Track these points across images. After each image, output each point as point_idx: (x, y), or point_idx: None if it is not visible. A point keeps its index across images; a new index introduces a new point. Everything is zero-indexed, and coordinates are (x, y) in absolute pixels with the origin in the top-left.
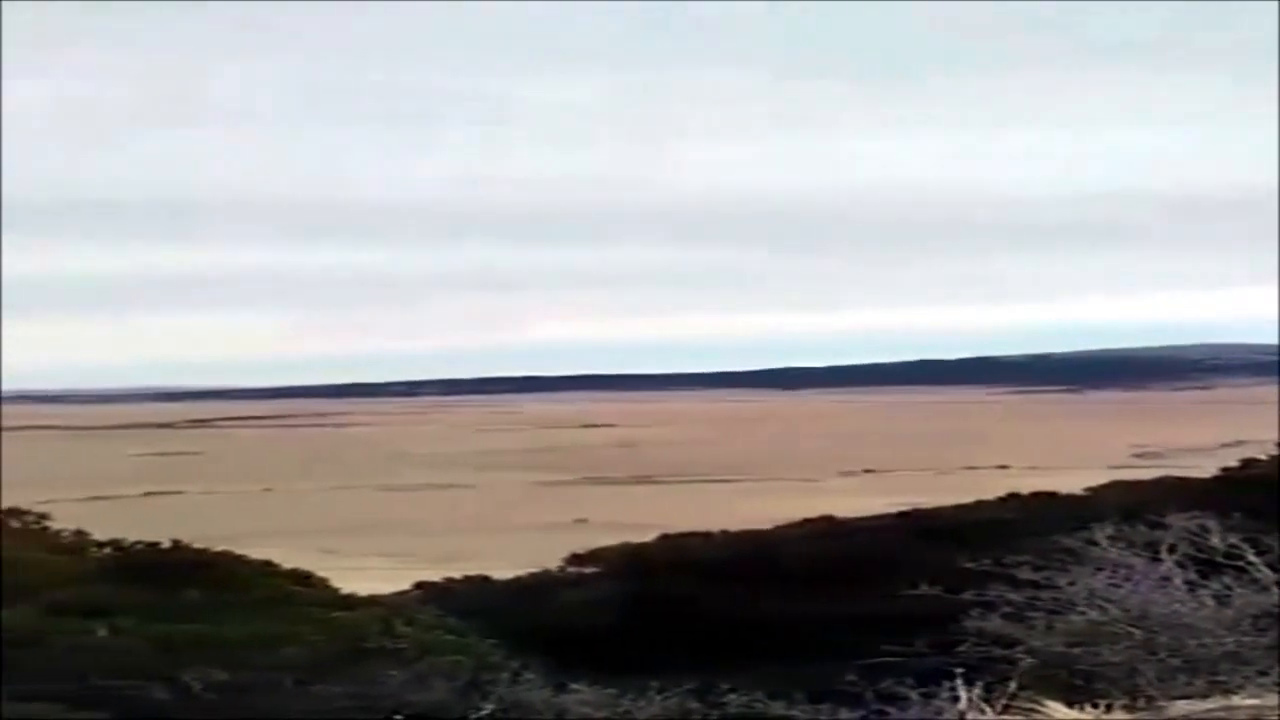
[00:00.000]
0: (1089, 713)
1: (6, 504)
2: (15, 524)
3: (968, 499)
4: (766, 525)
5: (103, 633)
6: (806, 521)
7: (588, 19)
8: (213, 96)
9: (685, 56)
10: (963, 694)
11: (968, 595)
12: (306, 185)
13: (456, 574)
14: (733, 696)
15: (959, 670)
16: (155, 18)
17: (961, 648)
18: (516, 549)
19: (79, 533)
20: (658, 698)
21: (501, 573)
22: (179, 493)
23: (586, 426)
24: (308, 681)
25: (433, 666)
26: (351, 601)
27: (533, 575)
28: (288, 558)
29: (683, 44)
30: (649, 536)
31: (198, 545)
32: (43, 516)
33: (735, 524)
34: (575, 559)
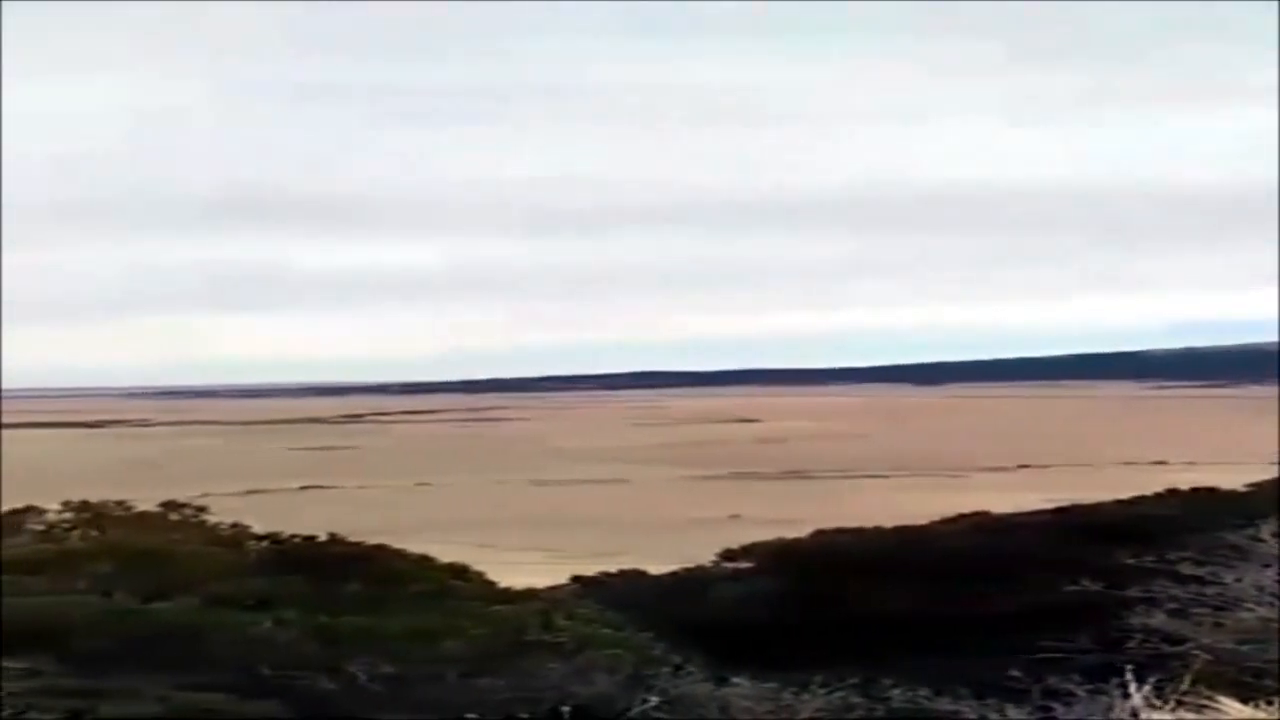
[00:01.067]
0: (1263, 710)
1: (165, 497)
2: (175, 517)
3: (1125, 495)
4: (921, 520)
5: (267, 624)
6: (963, 517)
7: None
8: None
9: (854, 43)
10: (1135, 691)
11: (1131, 592)
12: (466, 186)
13: (612, 568)
14: (895, 692)
15: (1128, 666)
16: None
17: (1129, 644)
18: (670, 544)
19: (238, 526)
20: (820, 692)
21: (657, 567)
22: (335, 487)
23: (737, 421)
24: (470, 674)
25: (593, 660)
26: (510, 595)
27: (688, 570)
28: (444, 552)
29: (861, 31)
30: (802, 532)
31: (354, 539)
32: (201, 510)
33: (888, 519)
34: (729, 554)
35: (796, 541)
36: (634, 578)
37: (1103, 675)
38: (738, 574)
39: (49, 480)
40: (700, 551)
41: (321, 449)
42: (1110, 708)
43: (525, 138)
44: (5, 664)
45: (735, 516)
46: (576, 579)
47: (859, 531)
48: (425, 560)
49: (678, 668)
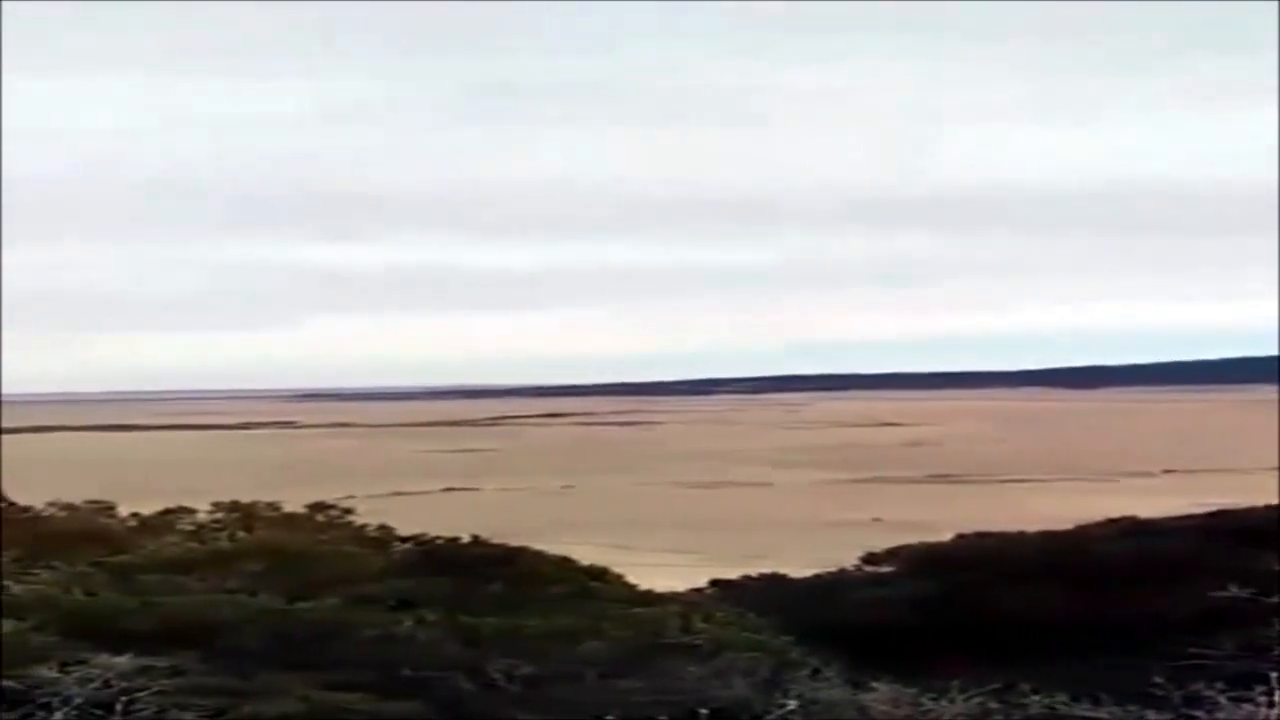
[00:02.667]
0: None
1: (313, 499)
2: (321, 518)
3: (1275, 501)
4: (1066, 525)
5: (409, 624)
6: (1109, 521)
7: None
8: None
9: (978, 43)
10: None
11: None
12: (609, 187)
13: (752, 571)
14: (1035, 698)
15: (1274, 674)
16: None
17: (1275, 651)
18: (811, 547)
19: (383, 527)
20: (960, 698)
21: (797, 571)
22: (477, 489)
23: (882, 425)
24: (608, 675)
25: (731, 663)
26: (649, 597)
27: (828, 574)
28: (584, 554)
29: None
30: (945, 536)
31: (496, 540)
32: (347, 511)
33: (1032, 523)
34: (871, 558)
35: (939, 545)
36: (774, 581)
37: (1246, 682)
38: (879, 578)
39: (200, 481)
40: (841, 555)
41: (464, 451)
42: (1254, 715)
43: (668, 138)
44: (150, 662)
45: (877, 520)
46: (715, 582)
47: (1003, 536)
48: (566, 562)
49: (816, 671)
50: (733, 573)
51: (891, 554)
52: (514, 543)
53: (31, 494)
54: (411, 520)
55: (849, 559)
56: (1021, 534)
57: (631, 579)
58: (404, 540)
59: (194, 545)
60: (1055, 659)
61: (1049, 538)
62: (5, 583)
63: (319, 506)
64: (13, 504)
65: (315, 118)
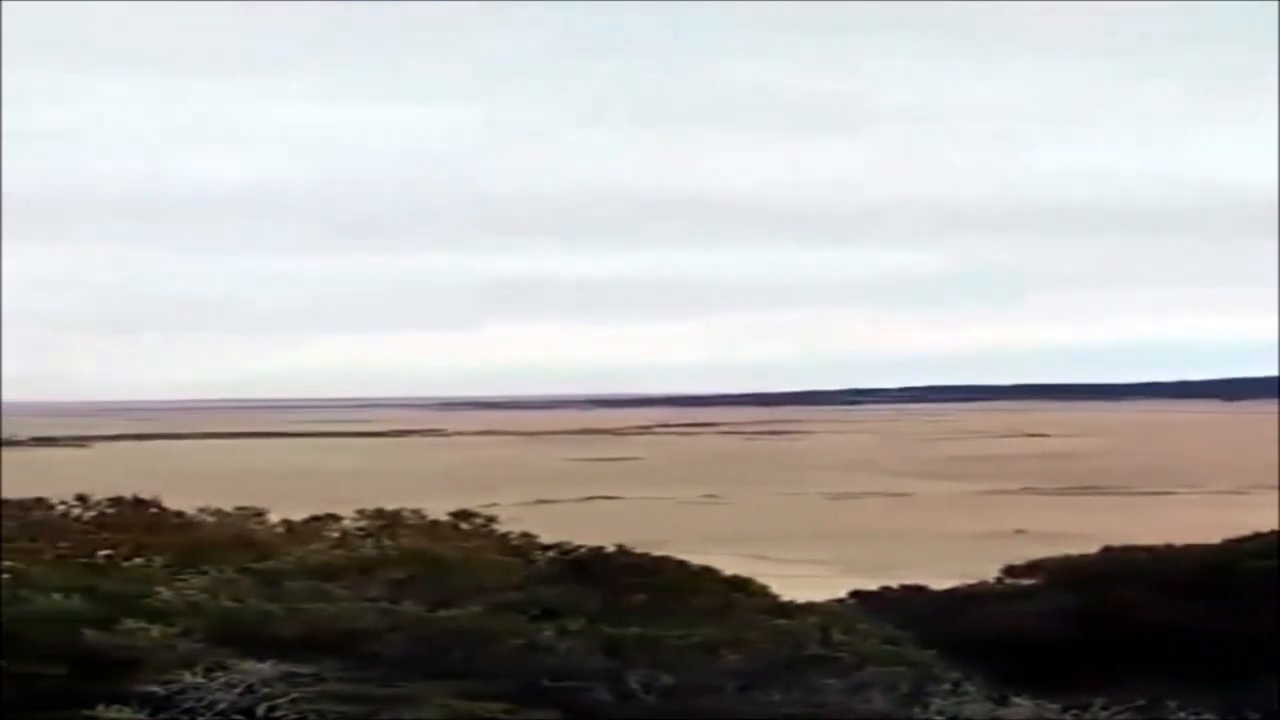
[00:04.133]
0: None
1: (457, 506)
2: (465, 526)
3: None
4: (1213, 539)
5: (550, 633)
6: (1258, 536)
7: None
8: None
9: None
10: None
11: None
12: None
13: (893, 583)
14: (1180, 715)
15: None
16: None
17: None
18: (953, 558)
19: (526, 535)
20: (1103, 714)
21: (938, 582)
22: (619, 497)
23: (1027, 436)
24: (748, 688)
25: (871, 676)
26: (789, 609)
27: (970, 586)
28: (726, 563)
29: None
30: (1091, 548)
31: (638, 550)
32: (491, 519)
33: (1179, 536)
34: (1013, 570)
35: (1084, 558)
36: (914, 592)
37: None
38: (1021, 591)
39: (350, 488)
40: (983, 567)
41: (609, 460)
42: None
43: (812, 147)
44: (293, 669)
45: (1020, 532)
46: (855, 593)
47: (1150, 549)
48: (708, 572)
49: (956, 686)
50: (873, 584)
51: (1034, 567)
52: (657, 552)
53: (186, 499)
54: (554, 528)
55: (991, 571)
56: (1169, 546)
57: (774, 590)
58: (546, 548)
59: (339, 552)
60: (1202, 677)
61: (1197, 552)
62: (156, 588)
63: (463, 514)
64: (165, 509)
65: (481, 128)
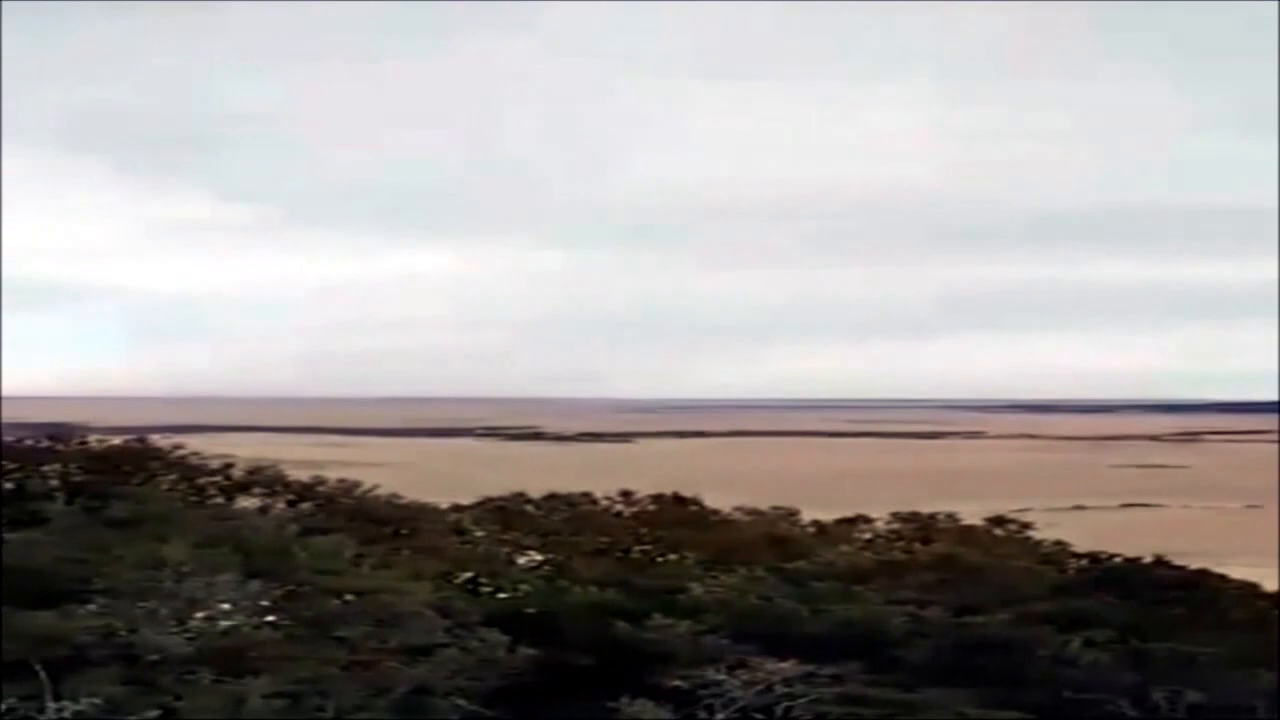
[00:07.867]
0: None
1: (993, 510)
2: (999, 531)
3: None
4: None
5: (1076, 645)
6: None
7: None
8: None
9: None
10: None
11: None
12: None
13: None
14: None
15: None
16: None
17: None
18: None
19: (1059, 543)
20: None
21: None
22: (1159, 506)
23: None
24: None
25: None
26: None
27: None
28: (1255, 575)
29: None
30: None
31: (1177, 562)
32: (1025, 525)
33: None
34: None
35: None
36: None
37: None
38: None
39: (883, 489)
40: None
41: (1151, 467)
42: None
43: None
44: (813, 669)
45: None
46: None
47: None
48: (1248, 588)
49: None
50: None
51: None
52: (1195, 565)
53: (724, 497)
54: (1089, 536)
55: None
56: None
57: None
58: (1079, 557)
59: (868, 554)
60: None
61: None
62: (687, 584)
63: (997, 520)
64: (704, 507)
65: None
